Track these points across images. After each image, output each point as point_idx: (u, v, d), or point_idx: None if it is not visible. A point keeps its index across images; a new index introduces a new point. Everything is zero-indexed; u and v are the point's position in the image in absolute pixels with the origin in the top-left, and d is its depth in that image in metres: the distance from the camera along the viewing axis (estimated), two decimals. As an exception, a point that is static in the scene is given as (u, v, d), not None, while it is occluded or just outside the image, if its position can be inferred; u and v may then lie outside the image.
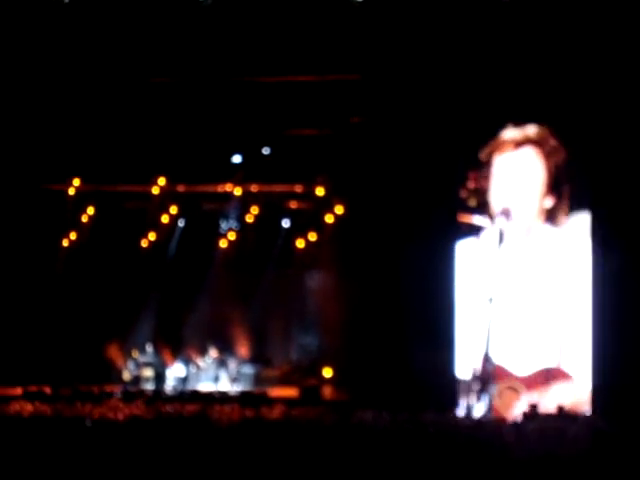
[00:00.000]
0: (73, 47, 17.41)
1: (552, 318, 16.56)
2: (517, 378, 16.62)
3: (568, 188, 16.59)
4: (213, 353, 20.94)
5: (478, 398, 16.58)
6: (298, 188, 20.74)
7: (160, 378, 20.43)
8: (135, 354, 20.88)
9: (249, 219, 21.39)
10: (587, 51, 16.15)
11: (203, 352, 21.00)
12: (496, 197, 16.98)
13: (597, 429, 11.41)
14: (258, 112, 18.51)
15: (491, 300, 16.75)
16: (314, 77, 17.69)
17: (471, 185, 17.14)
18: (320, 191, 20.26)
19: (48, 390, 18.13)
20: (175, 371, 20.63)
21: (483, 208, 17.05)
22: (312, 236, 21.09)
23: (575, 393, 16.24)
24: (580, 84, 16.31)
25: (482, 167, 17.07)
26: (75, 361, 20.10)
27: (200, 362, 20.88)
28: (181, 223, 22.01)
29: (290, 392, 19.12)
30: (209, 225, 21.72)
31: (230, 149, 20.05)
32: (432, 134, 17.12)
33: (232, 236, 21.68)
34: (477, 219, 17.06)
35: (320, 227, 20.74)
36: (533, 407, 14.72)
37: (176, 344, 21.13)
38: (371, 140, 17.98)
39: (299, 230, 21.35)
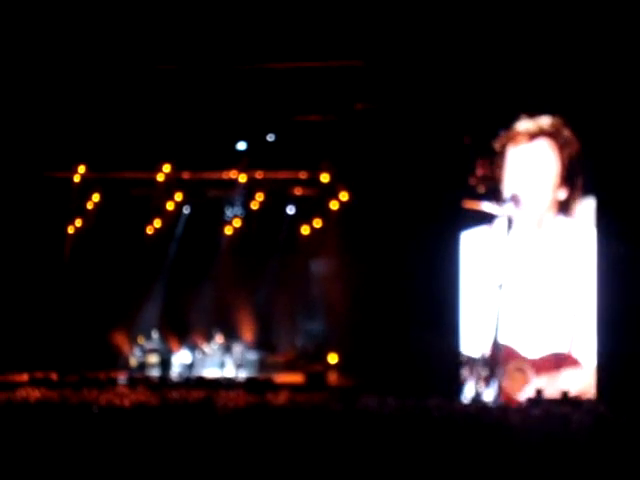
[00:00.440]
0: (79, 34, 17.39)
1: (564, 306, 16.57)
2: (526, 360, 16.66)
3: (581, 179, 16.58)
4: (219, 339, 21.00)
5: (487, 383, 16.63)
6: (303, 175, 20.73)
7: (166, 364, 20.46)
8: (141, 340, 20.93)
9: (254, 206, 21.42)
10: (600, 42, 16.07)
11: (209, 338, 21.06)
12: (509, 188, 16.95)
13: (600, 415, 11.43)
14: (262, 99, 18.49)
15: (501, 286, 16.79)
16: (319, 63, 17.64)
17: (480, 172, 17.13)
18: (325, 178, 20.23)
19: (54, 376, 18.22)
20: (181, 357, 20.67)
21: (492, 195, 17.06)
22: (317, 223, 21.12)
23: (584, 380, 16.28)
24: (593, 75, 16.23)
25: (495, 157, 17.04)
26: (81, 348, 20.16)
27: (206, 348, 20.93)
28: (186, 210, 22.05)
29: (295, 378, 19.16)
30: (214, 212, 21.75)
31: (235, 136, 20.02)
32: (437, 121, 17.10)
33: (237, 223, 21.72)
34: (485, 205, 17.06)
35: (325, 214, 20.74)
36: (539, 392, 14.80)
37: (182, 331, 21.18)
38: (375, 127, 17.96)
39: (304, 217, 21.39)
